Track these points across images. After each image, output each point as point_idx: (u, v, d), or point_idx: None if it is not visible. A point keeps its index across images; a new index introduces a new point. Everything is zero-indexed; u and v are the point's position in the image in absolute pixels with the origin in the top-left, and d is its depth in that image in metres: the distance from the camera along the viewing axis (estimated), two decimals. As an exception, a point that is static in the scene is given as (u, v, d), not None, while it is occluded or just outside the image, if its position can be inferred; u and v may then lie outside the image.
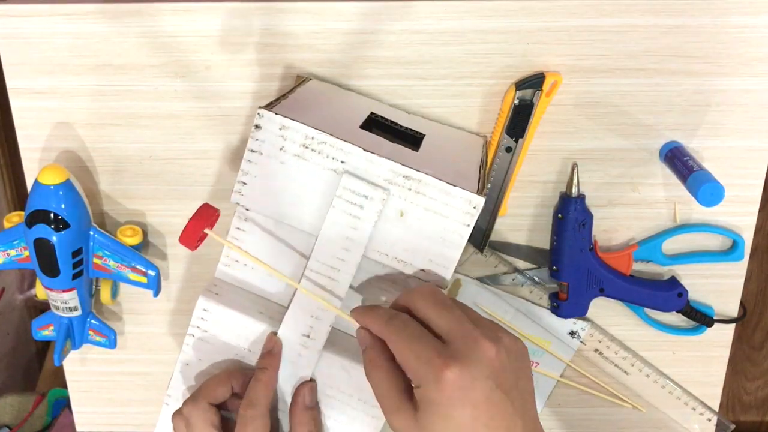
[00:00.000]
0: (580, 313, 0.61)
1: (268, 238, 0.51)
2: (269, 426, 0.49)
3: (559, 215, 0.58)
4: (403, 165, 0.47)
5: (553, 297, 0.62)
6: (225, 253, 0.52)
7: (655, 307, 0.61)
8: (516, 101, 0.55)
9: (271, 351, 0.50)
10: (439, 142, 0.54)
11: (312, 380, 0.51)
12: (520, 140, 0.56)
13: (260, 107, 0.47)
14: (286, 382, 0.51)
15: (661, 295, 0.60)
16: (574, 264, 0.59)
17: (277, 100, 0.50)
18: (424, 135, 0.54)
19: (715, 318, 0.63)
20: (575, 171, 0.57)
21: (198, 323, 0.52)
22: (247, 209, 0.50)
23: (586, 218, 0.57)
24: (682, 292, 0.60)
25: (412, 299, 0.45)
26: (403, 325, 0.43)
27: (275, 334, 0.51)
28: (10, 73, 0.57)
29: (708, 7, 0.54)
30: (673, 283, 0.61)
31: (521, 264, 0.63)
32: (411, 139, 0.53)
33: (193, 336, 0.52)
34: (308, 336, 0.50)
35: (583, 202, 0.58)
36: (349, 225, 0.47)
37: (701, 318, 0.62)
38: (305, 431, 0.50)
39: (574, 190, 0.58)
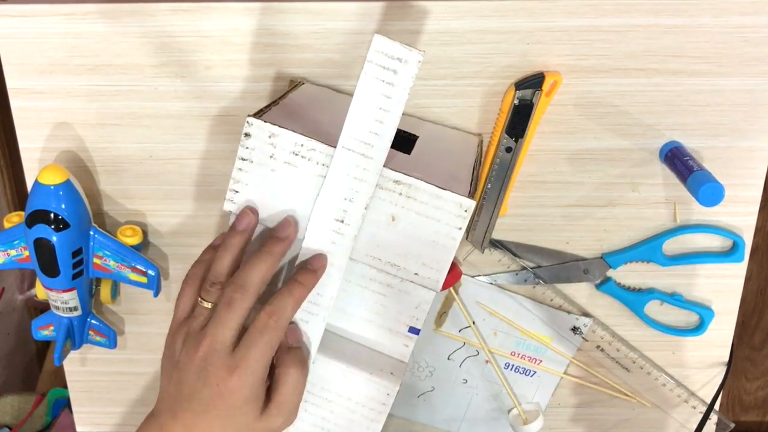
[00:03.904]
0: None
1: (260, 245, 0.51)
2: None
3: None
4: (393, 170, 0.47)
5: None
6: None
7: None
8: (516, 101, 0.55)
9: (317, 272, 0.49)
10: (432, 144, 0.54)
11: (292, 322, 0.50)
12: (520, 140, 0.56)
13: (249, 115, 0.47)
14: None
15: None
16: None
17: (268, 106, 0.50)
18: (417, 137, 0.54)
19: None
20: None
21: None
22: None
23: None
24: None
25: None
26: None
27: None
28: (10, 73, 0.57)
29: (708, 7, 0.54)
30: None
31: (522, 263, 0.63)
32: (404, 141, 0.53)
33: None
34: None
35: None
36: (382, 93, 0.45)
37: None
38: (294, 372, 0.49)
39: None
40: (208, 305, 0.49)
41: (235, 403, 0.47)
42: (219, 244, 0.51)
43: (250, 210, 0.49)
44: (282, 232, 0.49)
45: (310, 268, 0.49)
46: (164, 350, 0.51)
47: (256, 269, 0.47)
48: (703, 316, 0.64)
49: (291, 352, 0.49)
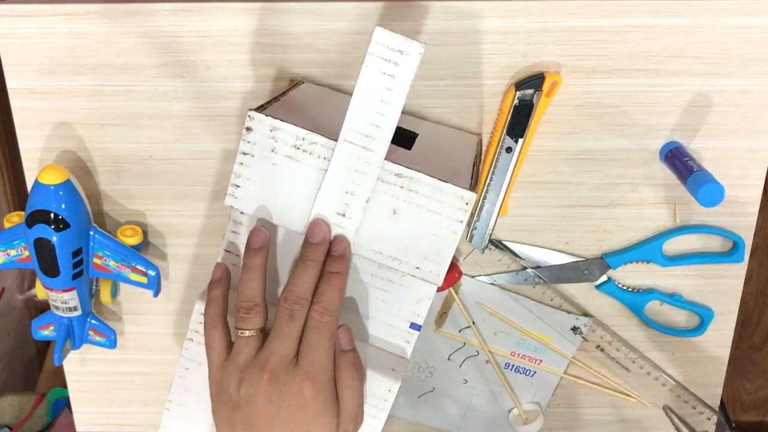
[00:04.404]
0: None
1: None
2: None
3: None
4: (394, 163, 0.47)
5: None
6: (222, 258, 0.52)
7: None
8: (516, 101, 0.55)
9: (344, 255, 0.48)
10: (432, 141, 0.54)
11: (345, 325, 0.50)
12: (520, 140, 0.56)
13: (251, 109, 0.47)
14: None
15: None
16: None
17: (269, 102, 0.50)
18: (417, 134, 0.54)
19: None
20: None
21: (196, 328, 0.52)
22: (241, 212, 0.50)
23: None
24: None
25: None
26: None
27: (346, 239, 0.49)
28: (10, 73, 0.57)
29: (708, 8, 0.54)
30: None
31: (522, 262, 0.63)
32: (404, 138, 0.53)
33: (192, 341, 0.52)
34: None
35: None
36: (383, 85, 0.45)
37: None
38: (348, 376, 0.48)
39: None
40: (250, 332, 0.47)
41: (316, 410, 0.46)
42: (218, 279, 0.50)
43: (262, 226, 0.49)
44: (315, 236, 0.48)
45: (336, 255, 0.48)
46: (213, 404, 0.48)
47: (307, 279, 0.47)
48: (703, 316, 0.64)
49: (347, 355, 0.49)
